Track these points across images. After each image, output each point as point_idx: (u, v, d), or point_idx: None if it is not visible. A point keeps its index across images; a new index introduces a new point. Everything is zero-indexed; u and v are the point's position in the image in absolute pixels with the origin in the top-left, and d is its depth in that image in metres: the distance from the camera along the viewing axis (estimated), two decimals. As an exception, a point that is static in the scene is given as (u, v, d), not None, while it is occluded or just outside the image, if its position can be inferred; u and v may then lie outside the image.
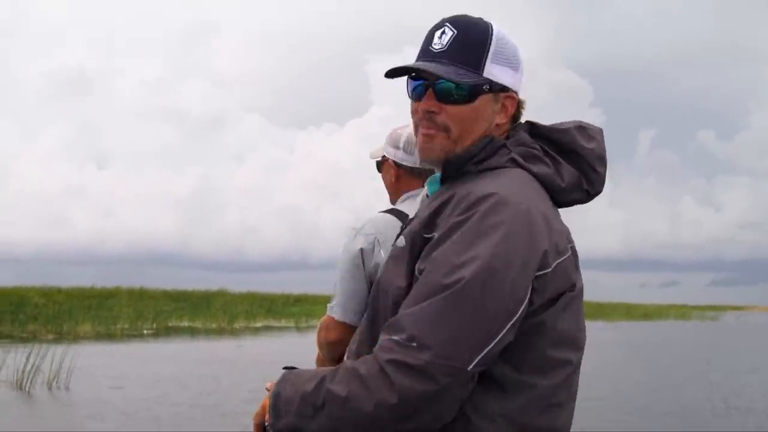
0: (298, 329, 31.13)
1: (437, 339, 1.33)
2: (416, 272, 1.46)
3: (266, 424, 1.49)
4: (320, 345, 2.63)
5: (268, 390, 1.52)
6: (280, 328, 31.64)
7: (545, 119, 1.66)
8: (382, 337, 1.39)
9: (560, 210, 1.60)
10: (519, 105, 1.64)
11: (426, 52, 1.58)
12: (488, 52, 1.57)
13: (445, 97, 1.56)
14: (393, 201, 2.78)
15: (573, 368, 1.51)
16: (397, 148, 2.72)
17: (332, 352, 2.57)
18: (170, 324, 30.43)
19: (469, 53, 1.56)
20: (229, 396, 11.92)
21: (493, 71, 1.57)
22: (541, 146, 1.59)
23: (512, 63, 1.60)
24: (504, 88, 1.59)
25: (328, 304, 2.61)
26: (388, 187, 2.80)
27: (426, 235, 1.48)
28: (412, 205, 2.60)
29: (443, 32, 1.58)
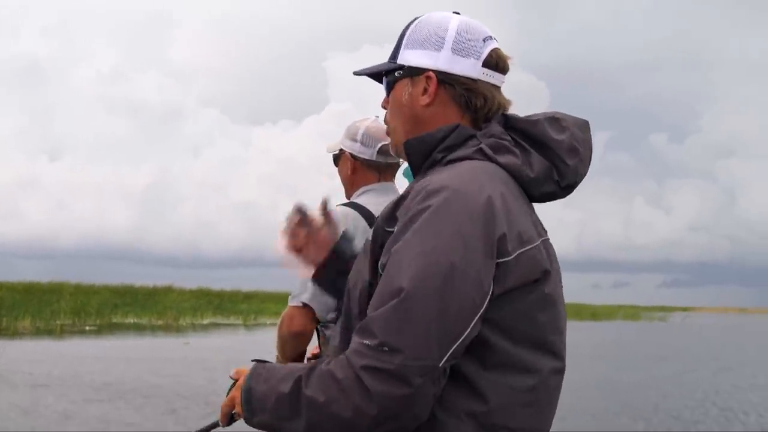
0: (246, 327, 30.85)
1: (407, 341, 1.33)
2: (379, 268, 1.45)
3: (233, 412, 1.51)
4: (284, 339, 2.56)
5: (231, 378, 1.54)
6: (228, 326, 31.30)
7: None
8: (355, 339, 1.39)
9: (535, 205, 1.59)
10: (461, 83, 1.56)
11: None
12: (403, 39, 1.60)
13: (387, 91, 1.64)
14: (348, 195, 2.75)
15: (550, 371, 1.48)
16: (354, 140, 2.71)
17: (296, 343, 2.54)
18: (114, 320, 29.95)
19: (393, 48, 1.62)
20: (169, 393, 11.47)
21: (406, 56, 1.60)
22: (512, 137, 1.55)
23: (430, 43, 1.58)
24: (419, 70, 1.58)
25: (289, 296, 2.56)
26: (344, 180, 2.77)
27: (387, 229, 1.48)
28: (369, 198, 2.61)
29: None
